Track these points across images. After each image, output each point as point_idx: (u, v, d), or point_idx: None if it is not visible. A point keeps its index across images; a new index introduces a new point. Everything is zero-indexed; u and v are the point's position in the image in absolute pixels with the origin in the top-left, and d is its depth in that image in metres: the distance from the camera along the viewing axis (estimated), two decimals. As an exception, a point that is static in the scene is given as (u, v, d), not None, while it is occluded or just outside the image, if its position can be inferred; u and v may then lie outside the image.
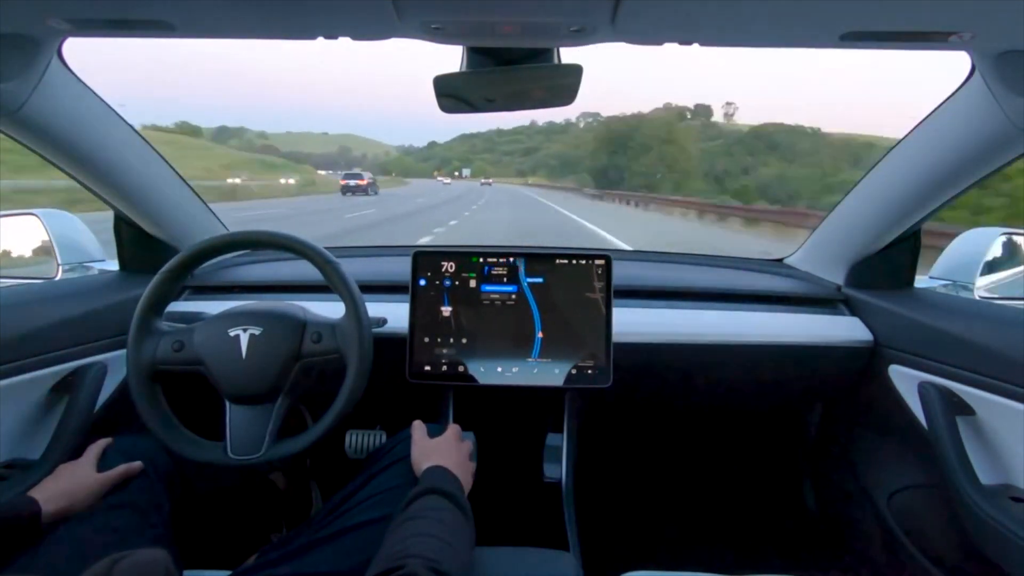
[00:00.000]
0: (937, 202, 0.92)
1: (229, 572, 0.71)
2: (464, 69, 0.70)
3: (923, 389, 0.91)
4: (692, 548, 1.30)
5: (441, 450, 0.76)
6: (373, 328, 0.84)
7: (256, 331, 0.80)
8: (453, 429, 0.82)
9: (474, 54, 0.69)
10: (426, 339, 0.98)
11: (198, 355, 0.79)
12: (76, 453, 0.77)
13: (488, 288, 0.99)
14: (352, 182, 19.65)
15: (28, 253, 1.22)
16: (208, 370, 0.79)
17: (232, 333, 0.80)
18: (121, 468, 0.74)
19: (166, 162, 1.05)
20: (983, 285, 1.12)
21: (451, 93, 0.75)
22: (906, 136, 0.91)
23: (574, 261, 0.99)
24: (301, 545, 0.71)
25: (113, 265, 1.15)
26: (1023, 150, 0.76)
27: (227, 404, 0.80)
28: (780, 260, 1.32)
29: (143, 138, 0.99)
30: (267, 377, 0.79)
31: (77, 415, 0.88)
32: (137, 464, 0.75)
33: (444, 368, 0.98)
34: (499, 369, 0.98)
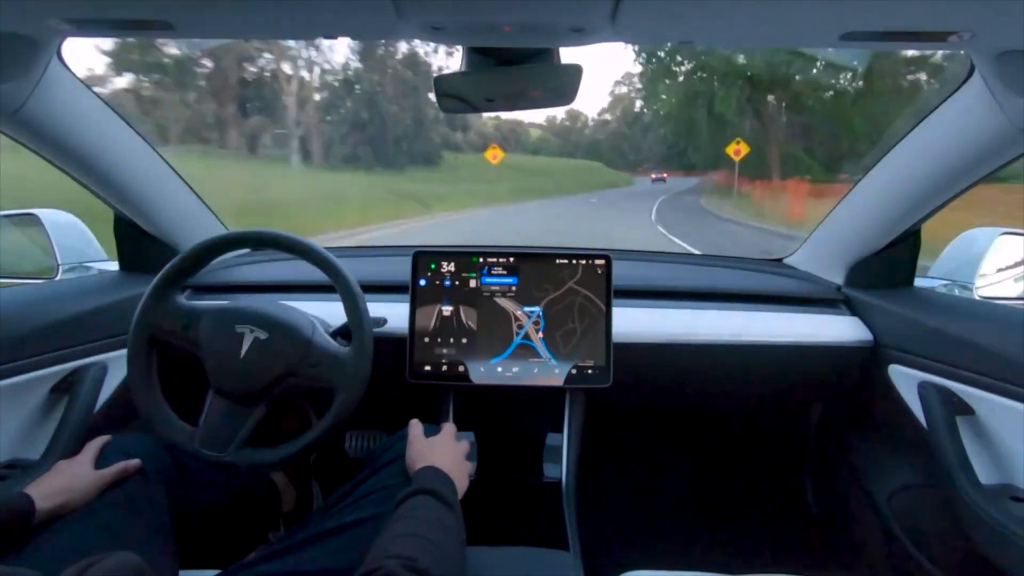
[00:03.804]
0: (937, 202, 0.92)
1: (227, 571, 0.71)
2: (464, 69, 0.70)
3: (923, 389, 0.91)
4: (692, 548, 1.30)
5: (436, 450, 0.76)
6: (374, 328, 0.84)
7: (262, 336, 0.80)
8: (448, 429, 0.82)
9: (474, 54, 0.69)
10: (426, 339, 0.98)
11: (199, 339, 0.80)
12: (76, 453, 0.77)
13: (488, 288, 0.99)
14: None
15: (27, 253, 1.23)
16: (203, 357, 0.80)
17: (239, 330, 0.80)
18: (119, 466, 0.73)
19: (166, 162, 1.05)
20: (983, 285, 1.12)
21: (451, 93, 0.75)
22: (906, 136, 0.91)
23: (574, 261, 0.99)
24: (295, 543, 0.71)
25: (113, 265, 1.15)
26: (1023, 150, 0.77)
27: (211, 394, 0.81)
28: (780, 260, 1.32)
29: (143, 138, 0.99)
30: (257, 382, 0.79)
31: (77, 415, 0.88)
32: (135, 462, 0.75)
33: (444, 368, 0.98)
34: (499, 369, 0.98)
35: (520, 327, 0.98)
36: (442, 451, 0.76)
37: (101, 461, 0.75)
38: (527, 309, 0.99)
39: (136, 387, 0.79)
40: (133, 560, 0.48)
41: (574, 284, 0.99)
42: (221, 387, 0.80)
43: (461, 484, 0.73)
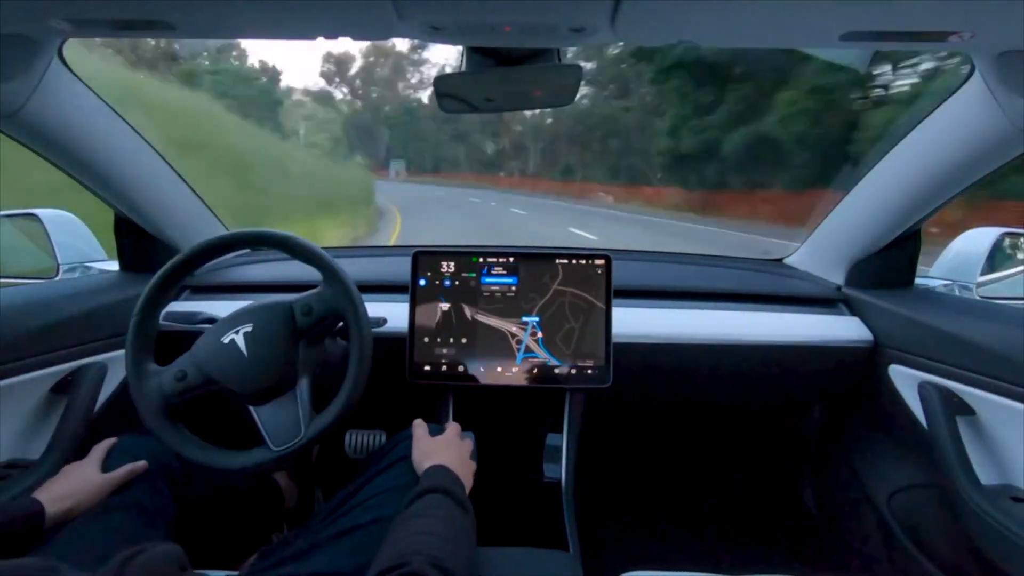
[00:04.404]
0: (937, 202, 0.92)
1: (230, 572, 0.71)
2: (464, 69, 0.70)
3: (923, 389, 0.91)
4: (692, 548, 1.30)
5: (442, 449, 0.76)
6: (373, 328, 0.84)
7: (248, 328, 0.79)
8: (453, 428, 0.82)
9: (474, 54, 0.69)
10: (426, 339, 0.98)
11: (204, 374, 0.78)
12: (76, 453, 0.78)
13: (488, 288, 1.00)
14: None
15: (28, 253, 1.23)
16: (219, 383, 0.78)
17: (227, 340, 0.78)
18: (126, 468, 0.74)
19: (166, 162, 1.05)
20: (983, 285, 1.12)
21: (451, 93, 0.75)
22: (906, 136, 0.91)
23: (574, 261, 0.99)
24: (301, 545, 0.71)
25: (113, 265, 1.15)
26: (1023, 150, 0.77)
27: (250, 409, 0.79)
28: (780, 260, 1.32)
29: (143, 138, 0.99)
30: (276, 366, 0.78)
31: (77, 415, 0.88)
32: (142, 464, 0.75)
33: (444, 368, 0.98)
34: (499, 369, 0.98)
35: (519, 342, 0.98)
36: (448, 450, 0.76)
37: (107, 464, 0.75)
38: (525, 319, 0.99)
39: (191, 455, 0.76)
40: (175, 551, 0.48)
41: (558, 286, 0.99)
42: (252, 398, 0.78)
43: (467, 483, 0.73)
